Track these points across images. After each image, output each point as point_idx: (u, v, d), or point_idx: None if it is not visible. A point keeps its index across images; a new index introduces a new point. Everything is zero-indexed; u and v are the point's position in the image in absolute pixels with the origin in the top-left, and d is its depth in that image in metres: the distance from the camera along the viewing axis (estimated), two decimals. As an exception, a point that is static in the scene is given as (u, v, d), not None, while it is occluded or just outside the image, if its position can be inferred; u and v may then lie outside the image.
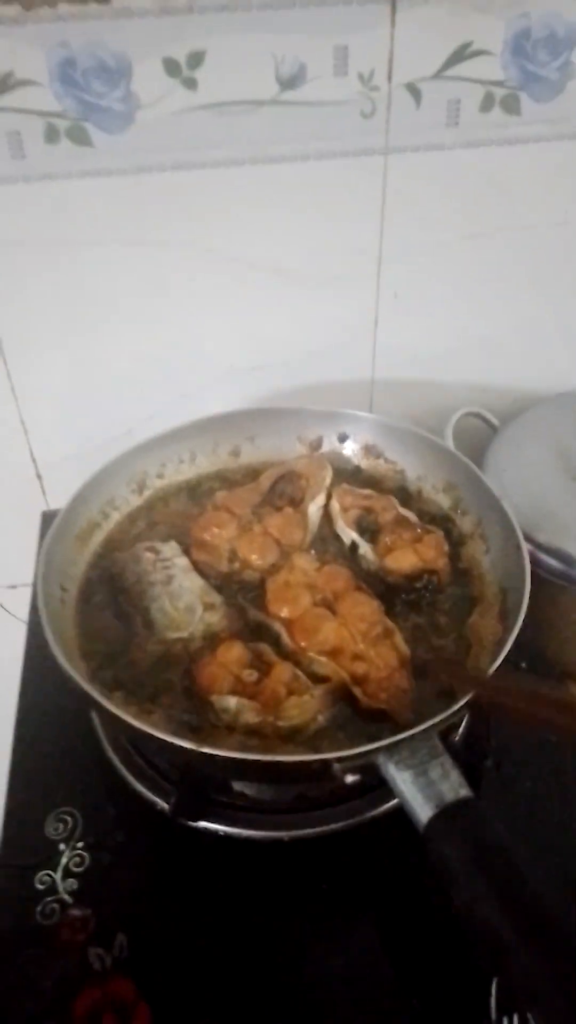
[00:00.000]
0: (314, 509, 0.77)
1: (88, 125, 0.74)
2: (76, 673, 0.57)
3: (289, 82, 0.74)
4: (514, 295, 0.92)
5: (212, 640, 0.66)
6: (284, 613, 0.67)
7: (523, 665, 0.76)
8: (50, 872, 0.60)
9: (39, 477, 0.97)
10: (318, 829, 0.61)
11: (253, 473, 0.84)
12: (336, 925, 0.58)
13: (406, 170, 0.81)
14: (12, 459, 0.95)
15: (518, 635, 0.60)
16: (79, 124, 0.74)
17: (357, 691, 0.61)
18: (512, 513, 0.74)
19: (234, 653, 0.63)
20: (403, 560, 0.71)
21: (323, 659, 0.63)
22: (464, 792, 0.50)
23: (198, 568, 0.72)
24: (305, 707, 0.59)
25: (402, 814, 0.60)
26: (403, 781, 0.51)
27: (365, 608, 0.66)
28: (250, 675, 0.61)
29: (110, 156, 0.76)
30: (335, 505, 0.78)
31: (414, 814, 0.50)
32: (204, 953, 0.56)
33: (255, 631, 0.67)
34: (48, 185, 0.77)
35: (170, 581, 0.69)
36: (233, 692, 0.60)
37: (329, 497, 0.79)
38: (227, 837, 0.61)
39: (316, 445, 0.86)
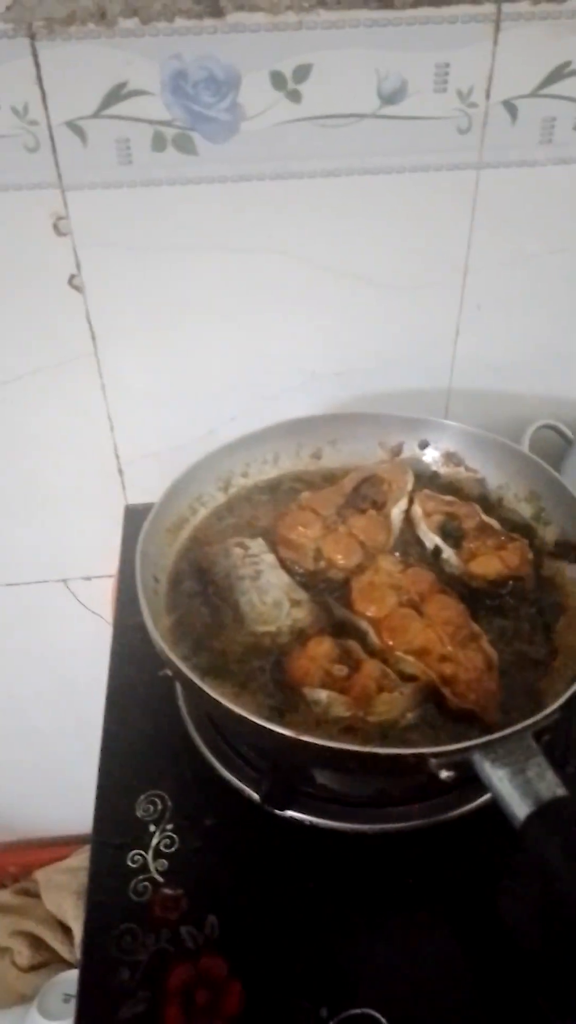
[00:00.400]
0: (397, 512, 0.79)
1: (194, 134, 0.77)
2: (176, 658, 0.59)
3: (390, 97, 0.77)
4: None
5: (300, 635, 0.68)
6: (371, 612, 0.69)
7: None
8: (141, 852, 0.62)
9: (120, 472, 1.00)
10: (401, 824, 0.63)
11: (332, 476, 0.85)
12: (420, 918, 0.59)
13: (497, 185, 0.83)
14: (97, 454, 0.98)
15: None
16: (186, 133, 0.77)
17: (446, 691, 0.62)
18: None
19: (324, 648, 0.65)
20: (488, 566, 0.72)
21: (411, 658, 0.64)
22: (561, 791, 0.51)
23: (284, 565, 0.74)
24: (395, 704, 0.61)
25: (485, 814, 0.62)
26: (499, 779, 0.52)
27: (452, 611, 0.68)
28: (340, 670, 0.63)
29: (213, 164, 0.78)
30: (417, 510, 0.79)
31: (510, 811, 0.51)
32: (293, 937, 0.57)
33: (340, 628, 0.69)
34: (151, 191, 0.80)
35: (258, 576, 0.72)
36: (323, 686, 0.62)
37: (411, 502, 0.80)
38: (313, 827, 0.63)
39: (397, 451, 0.88)
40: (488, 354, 0.96)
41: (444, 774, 0.53)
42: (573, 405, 1.00)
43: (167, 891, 0.60)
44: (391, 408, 0.97)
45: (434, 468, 0.87)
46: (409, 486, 0.81)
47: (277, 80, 0.75)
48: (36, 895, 1.38)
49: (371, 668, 0.63)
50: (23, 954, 1.31)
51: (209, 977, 0.55)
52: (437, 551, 0.76)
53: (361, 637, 0.67)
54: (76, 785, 1.37)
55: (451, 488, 0.84)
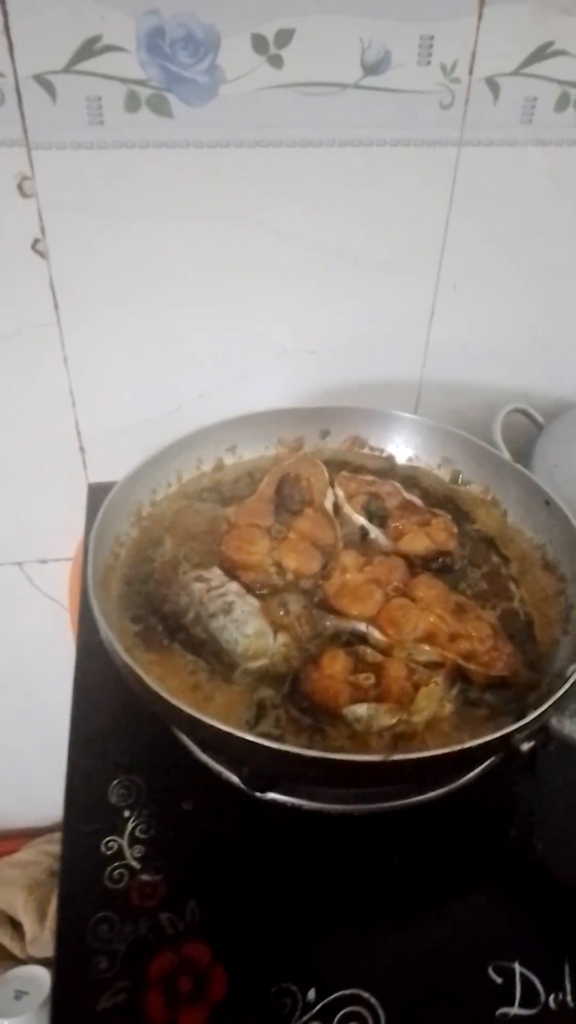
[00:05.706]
0: (330, 506, 0.77)
1: (170, 95, 0.74)
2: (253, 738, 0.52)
3: (373, 68, 0.75)
4: (569, 294, 0.94)
5: (305, 656, 0.63)
6: (362, 612, 0.66)
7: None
8: (116, 838, 0.60)
9: (82, 449, 0.96)
10: (387, 804, 0.61)
11: (245, 483, 0.82)
12: (406, 898, 0.58)
13: (477, 163, 0.82)
14: (57, 429, 0.94)
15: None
16: (161, 94, 0.74)
17: (472, 667, 0.61)
18: (526, 471, 0.77)
19: (340, 663, 0.61)
20: (417, 543, 0.73)
21: (425, 647, 0.63)
22: None
23: (251, 590, 0.67)
24: (433, 695, 0.59)
25: (469, 792, 0.61)
26: None
27: (438, 589, 0.67)
28: (367, 679, 0.60)
29: (189, 128, 0.76)
30: (339, 492, 0.78)
31: None
32: (278, 920, 0.56)
33: (335, 637, 0.65)
34: (124, 154, 0.76)
35: (231, 609, 0.65)
36: (354, 700, 0.58)
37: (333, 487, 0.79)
38: (296, 809, 0.61)
39: (298, 445, 0.86)
40: (462, 337, 0.96)
41: (525, 747, 0.52)
42: (543, 391, 1.00)
43: (144, 877, 0.57)
44: (363, 393, 0.96)
45: (342, 455, 0.86)
46: (326, 475, 0.80)
47: (258, 43, 0.72)
48: (-15, 891, 1.33)
49: (396, 667, 0.60)
50: (-29, 952, 1.27)
51: (191, 963, 0.53)
52: (364, 532, 0.75)
53: (361, 639, 0.64)
54: (26, 776, 1.33)
55: (365, 471, 0.83)
